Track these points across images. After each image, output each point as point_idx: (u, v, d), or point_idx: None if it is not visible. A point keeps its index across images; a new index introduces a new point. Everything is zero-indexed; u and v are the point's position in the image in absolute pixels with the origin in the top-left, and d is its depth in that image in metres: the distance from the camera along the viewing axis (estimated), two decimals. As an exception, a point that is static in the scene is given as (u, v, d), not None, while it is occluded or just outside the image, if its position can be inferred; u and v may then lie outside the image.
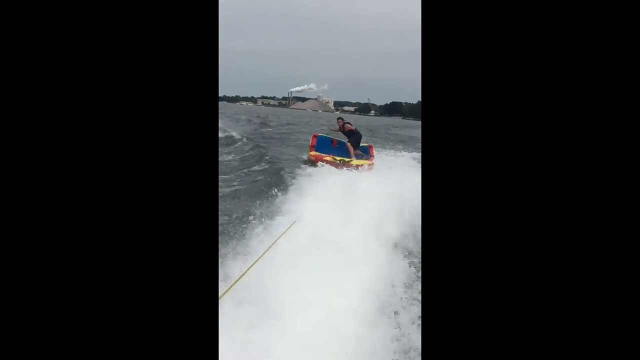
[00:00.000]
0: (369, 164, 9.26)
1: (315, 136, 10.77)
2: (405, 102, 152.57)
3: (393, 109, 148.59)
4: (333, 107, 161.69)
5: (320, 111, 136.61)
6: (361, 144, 10.52)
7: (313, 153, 9.62)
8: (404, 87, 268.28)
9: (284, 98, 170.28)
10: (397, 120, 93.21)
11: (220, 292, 2.57)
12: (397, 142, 17.78)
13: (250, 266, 3.16)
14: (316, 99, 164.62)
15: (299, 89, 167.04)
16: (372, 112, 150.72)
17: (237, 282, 2.84)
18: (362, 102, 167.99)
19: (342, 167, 8.51)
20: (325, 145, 10.49)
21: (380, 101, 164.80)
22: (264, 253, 3.48)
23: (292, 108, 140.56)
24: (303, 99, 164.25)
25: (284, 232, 4.16)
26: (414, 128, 37.41)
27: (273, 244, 3.77)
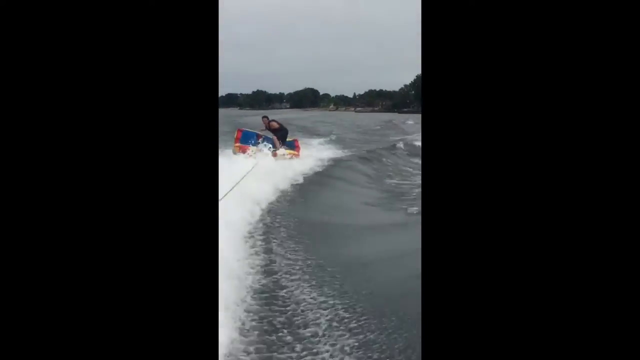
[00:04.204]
0: (295, 154, 10.38)
1: (240, 130, 10.95)
2: (241, 93, 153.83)
3: (229, 101, 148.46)
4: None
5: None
6: (287, 140, 11.11)
7: (238, 145, 10.11)
8: (238, 78, 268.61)
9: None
10: (235, 111, 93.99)
11: None
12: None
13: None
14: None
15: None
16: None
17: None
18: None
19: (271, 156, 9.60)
20: (250, 139, 10.73)
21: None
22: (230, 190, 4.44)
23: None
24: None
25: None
26: (255, 116, 39.37)
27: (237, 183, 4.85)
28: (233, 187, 4.89)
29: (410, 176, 10.83)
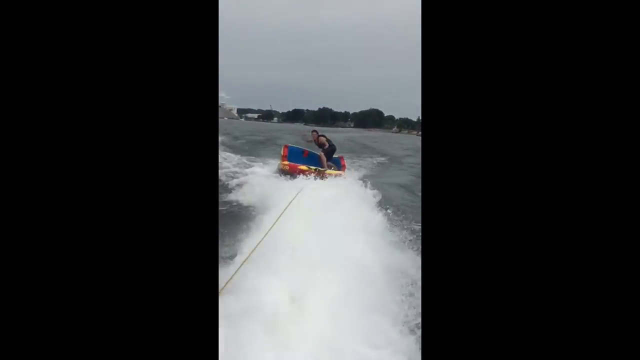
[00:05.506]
0: (341, 174, 9.57)
1: (286, 147, 10.76)
2: (307, 109, 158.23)
3: (295, 116, 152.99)
4: (237, 114, 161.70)
5: (225, 118, 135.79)
6: (334, 156, 10.56)
7: (286, 162, 9.67)
8: (306, 94, 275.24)
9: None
10: (300, 126, 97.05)
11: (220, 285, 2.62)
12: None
13: (254, 249, 3.56)
14: (220, 106, 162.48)
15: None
16: (275, 119, 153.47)
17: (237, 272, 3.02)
18: (265, 109, 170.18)
19: (316, 176, 8.64)
20: (296, 155, 10.58)
21: (283, 108, 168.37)
22: (265, 235, 3.90)
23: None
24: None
25: (291, 201, 4.91)
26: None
27: (277, 220, 4.36)
28: (272, 226, 4.36)
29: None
